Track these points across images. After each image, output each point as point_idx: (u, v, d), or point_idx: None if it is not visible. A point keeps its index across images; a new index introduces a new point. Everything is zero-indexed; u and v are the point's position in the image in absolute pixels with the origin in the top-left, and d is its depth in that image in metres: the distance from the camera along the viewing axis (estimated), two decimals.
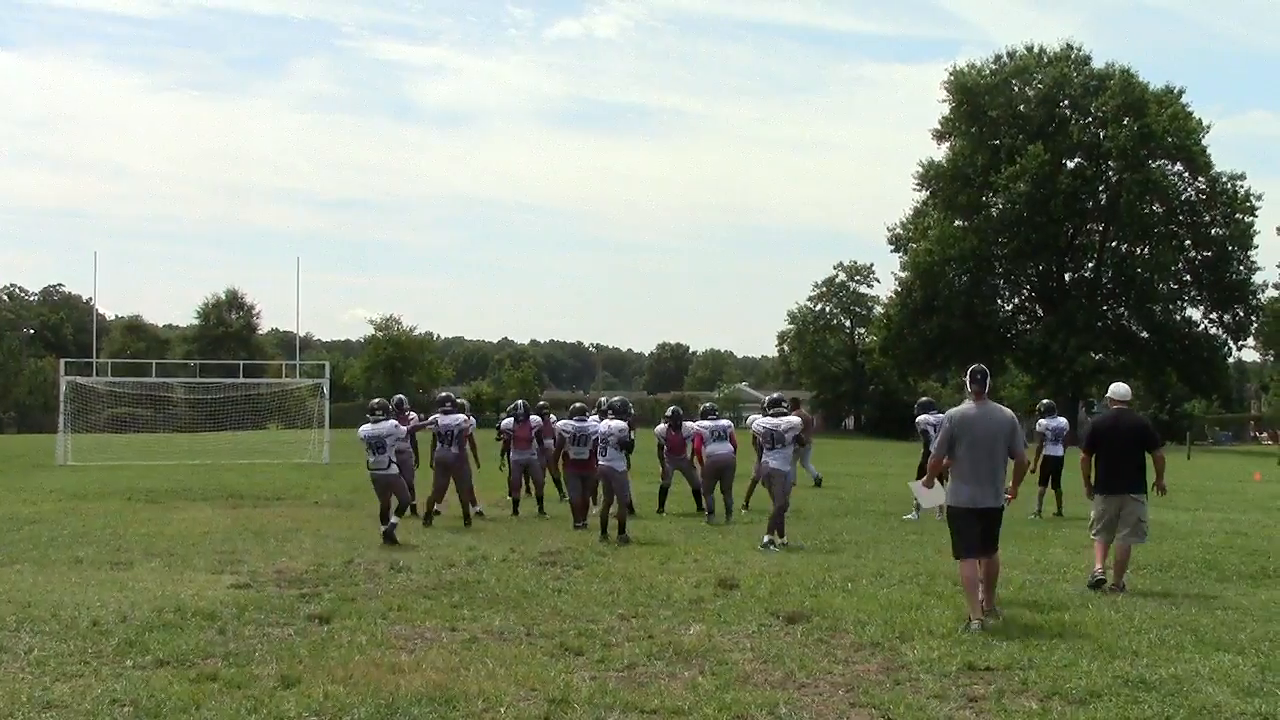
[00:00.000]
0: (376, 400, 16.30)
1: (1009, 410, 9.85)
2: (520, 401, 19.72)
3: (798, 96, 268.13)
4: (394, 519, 14.89)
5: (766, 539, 14.38)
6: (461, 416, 17.35)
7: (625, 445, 15.48)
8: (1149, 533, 11.75)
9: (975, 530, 9.41)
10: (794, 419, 15.62)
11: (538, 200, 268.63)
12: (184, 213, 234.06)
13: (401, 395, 19.52)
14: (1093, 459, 11.52)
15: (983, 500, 9.44)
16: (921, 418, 18.39)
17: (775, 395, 16.44)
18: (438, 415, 17.30)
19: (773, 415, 15.21)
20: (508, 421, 19.25)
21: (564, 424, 17.12)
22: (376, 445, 15.20)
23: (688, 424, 18.68)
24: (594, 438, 16.13)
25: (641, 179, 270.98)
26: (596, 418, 16.57)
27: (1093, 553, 11.57)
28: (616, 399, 16.66)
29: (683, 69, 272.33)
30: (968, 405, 9.67)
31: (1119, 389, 11.84)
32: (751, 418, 15.47)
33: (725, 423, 17.81)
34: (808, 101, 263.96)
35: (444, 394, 18.07)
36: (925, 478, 10.76)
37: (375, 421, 15.34)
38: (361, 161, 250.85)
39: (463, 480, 17.01)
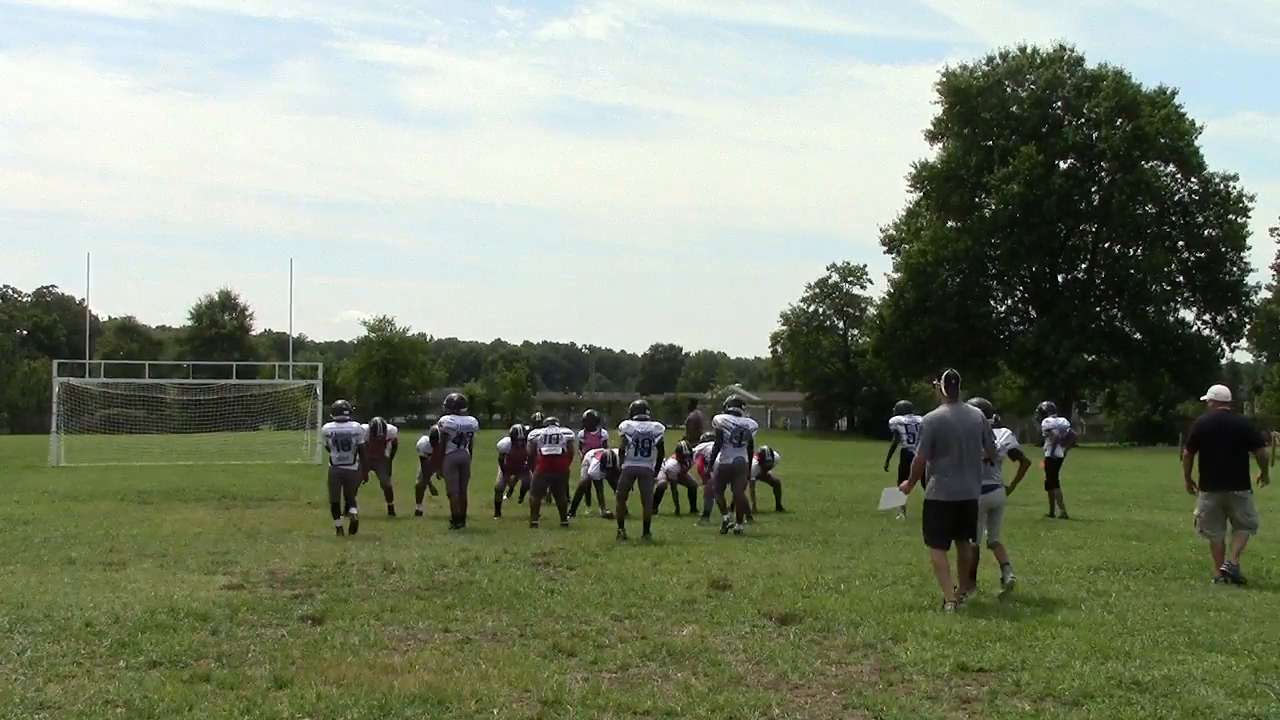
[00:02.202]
0: (341, 401, 17.30)
1: (979, 410, 10.63)
2: (537, 413, 20.25)
3: (787, 98, 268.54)
4: (354, 510, 15.90)
5: (737, 526, 15.80)
6: (473, 419, 17.45)
7: (660, 448, 16.18)
8: (1258, 523, 12.15)
9: (951, 522, 10.19)
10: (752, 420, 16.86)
11: (528, 202, 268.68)
12: (175, 214, 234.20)
13: (378, 418, 19.49)
14: (1195, 457, 12.07)
15: (964, 494, 10.20)
16: (895, 419, 18.98)
17: (734, 396, 17.64)
18: (450, 417, 17.09)
19: (733, 413, 16.20)
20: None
21: (536, 433, 17.77)
22: (343, 443, 16.19)
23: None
24: (566, 437, 17.24)
25: (632, 180, 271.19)
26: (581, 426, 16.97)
27: (1209, 555, 12.16)
28: (639, 400, 17.24)
29: (672, 70, 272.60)
30: (943, 409, 10.41)
31: (1221, 391, 12.31)
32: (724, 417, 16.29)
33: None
34: (797, 103, 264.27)
35: (456, 395, 18.26)
36: (906, 481, 11.39)
37: (341, 421, 16.36)
38: (351, 163, 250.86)
39: (466, 480, 17.02)
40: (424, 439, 18.79)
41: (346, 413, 16.56)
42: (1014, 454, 12.42)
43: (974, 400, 11.10)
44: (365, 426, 16.72)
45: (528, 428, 19.28)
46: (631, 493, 15.82)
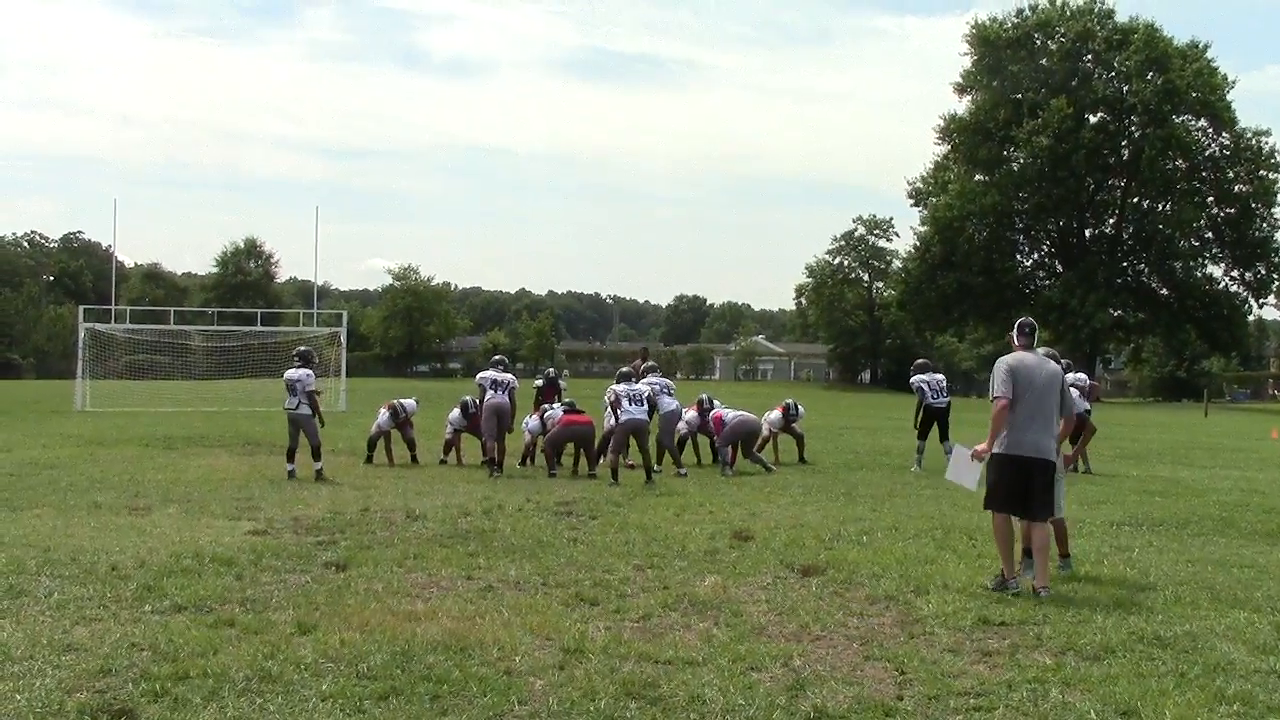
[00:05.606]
0: (301, 348, 17.64)
1: (1055, 364, 9.35)
2: (550, 370, 20.52)
3: (809, 48, 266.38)
4: (317, 464, 16.34)
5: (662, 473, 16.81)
6: (511, 376, 17.81)
7: (653, 403, 17.15)
8: None
9: (1016, 481, 8.81)
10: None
11: (551, 150, 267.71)
12: (198, 160, 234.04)
13: (397, 401, 19.32)
14: None
15: (1035, 450, 8.80)
16: (916, 378, 18.94)
17: (650, 364, 19.25)
18: (490, 371, 17.67)
19: (633, 382, 17.34)
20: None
21: (555, 411, 18.38)
22: (289, 388, 16.67)
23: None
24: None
25: (656, 129, 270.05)
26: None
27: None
28: (625, 369, 18.23)
29: (694, 19, 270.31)
30: (1023, 354, 9.08)
31: None
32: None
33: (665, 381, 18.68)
34: (819, 53, 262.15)
35: (496, 356, 18.85)
36: (982, 445, 9.24)
37: (296, 367, 16.80)
38: (373, 111, 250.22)
39: (504, 426, 17.30)
40: (455, 411, 18.83)
41: (297, 359, 16.94)
42: (1079, 418, 11.51)
43: (1042, 350, 9.45)
44: (308, 373, 16.81)
45: (559, 379, 20.07)
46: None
